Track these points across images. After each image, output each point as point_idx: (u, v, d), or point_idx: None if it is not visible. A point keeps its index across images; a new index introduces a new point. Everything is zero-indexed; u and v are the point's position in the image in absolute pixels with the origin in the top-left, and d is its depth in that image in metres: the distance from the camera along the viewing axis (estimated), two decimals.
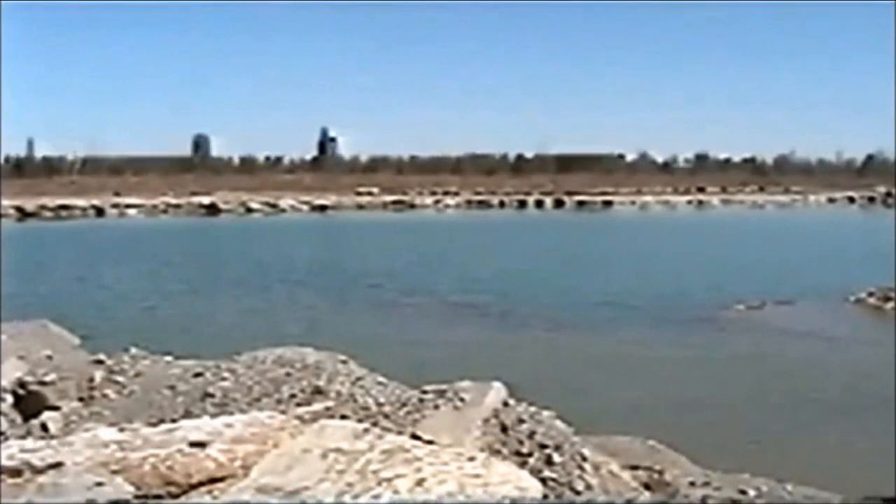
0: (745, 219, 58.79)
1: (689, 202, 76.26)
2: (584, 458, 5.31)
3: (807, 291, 19.67)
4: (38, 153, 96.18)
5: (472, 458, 3.16)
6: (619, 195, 76.30)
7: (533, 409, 5.84)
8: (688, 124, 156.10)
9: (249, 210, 62.11)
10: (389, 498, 2.83)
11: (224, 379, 6.61)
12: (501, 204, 71.38)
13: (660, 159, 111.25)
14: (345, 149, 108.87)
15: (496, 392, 5.92)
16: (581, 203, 71.48)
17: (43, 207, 56.39)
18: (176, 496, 3.26)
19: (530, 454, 5.32)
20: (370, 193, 72.80)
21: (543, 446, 5.38)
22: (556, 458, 5.28)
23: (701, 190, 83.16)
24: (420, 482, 2.90)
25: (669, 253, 30.77)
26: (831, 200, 78.79)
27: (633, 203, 73.42)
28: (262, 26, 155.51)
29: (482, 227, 48.10)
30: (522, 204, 71.44)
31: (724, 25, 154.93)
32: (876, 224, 48.73)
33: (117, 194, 64.75)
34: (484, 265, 26.42)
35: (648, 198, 76.13)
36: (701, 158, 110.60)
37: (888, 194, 76.79)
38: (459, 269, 25.57)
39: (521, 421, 5.63)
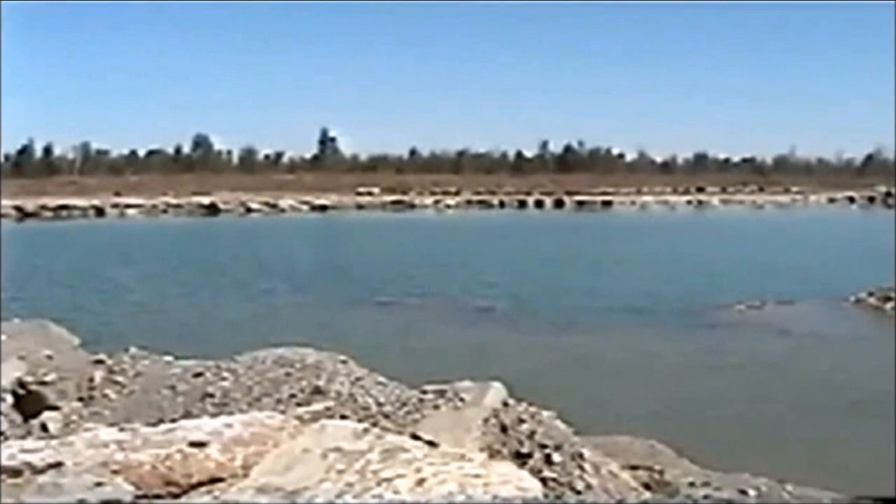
0: (744, 219, 58.78)
1: (689, 202, 76.30)
2: (584, 458, 5.31)
3: (807, 291, 19.67)
4: (38, 153, 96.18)
5: (471, 459, 3.16)
6: (619, 195, 76.34)
7: (533, 409, 5.84)
8: (687, 124, 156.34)
9: (249, 210, 62.14)
10: (389, 498, 2.83)
11: (224, 379, 6.61)
12: (501, 204, 71.44)
13: (659, 159, 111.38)
14: (345, 147, 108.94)
15: (496, 392, 5.92)
16: (581, 203, 71.52)
17: (43, 207, 56.39)
18: (176, 496, 3.26)
19: (530, 454, 5.32)
20: (370, 193, 72.86)
21: (543, 446, 5.38)
22: (556, 458, 5.27)
23: (700, 190, 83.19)
24: (420, 482, 2.90)
25: (670, 253, 30.76)
26: (831, 200, 78.83)
27: (632, 203, 73.46)
28: (261, 26, 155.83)
29: (484, 228, 48.00)
30: (522, 204, 71.50)
31: (724, 25, 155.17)
32: (876, 224, 48.75)
33: (117, 194, 64.74)
34: (488, 267, 26.30)
35: (648, 198, 76.19)
36: (700, 158, 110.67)
37: (888, 194, 76.84)
38: (463, 270, 25.47)
39: (521, 421, 5.63)
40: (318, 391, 6.26)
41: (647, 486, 5.71)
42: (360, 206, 67.00)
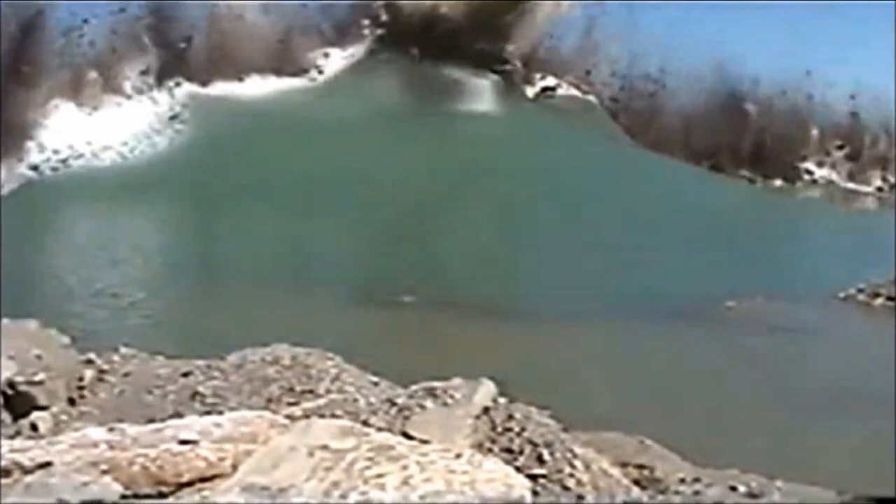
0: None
1: None
2: (575, 455, 5.32)
3: (795, 287, 19.64)
4: None
5: (458, 456, 3.17)
6: None
7: (523, 406, 5.84)
8: None
9: None
10: (376, 496, 2.84)
11: (214, 378, 6.58)
12: None
13: None
14: None
15: (486, 389, 5.93)
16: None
17: None
18: (165, 495, 3.26)
19: (520, 451, 5.32)
20: None
21: (534, 443, 5.38)
22: (547, 455, 5.28)
23: None
24: (406, 480, 2.91)
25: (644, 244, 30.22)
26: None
27: None
28: None
29: None
30: None
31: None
32: (864, 218, 48.75)
33: None
34: None
35: None
36: None
37: (878, 189, 76.91)
38: None
39: (512, 418, 5.64)
40: (307, 389, 6.25)
41: (637, 483, 5.72)
42: None
